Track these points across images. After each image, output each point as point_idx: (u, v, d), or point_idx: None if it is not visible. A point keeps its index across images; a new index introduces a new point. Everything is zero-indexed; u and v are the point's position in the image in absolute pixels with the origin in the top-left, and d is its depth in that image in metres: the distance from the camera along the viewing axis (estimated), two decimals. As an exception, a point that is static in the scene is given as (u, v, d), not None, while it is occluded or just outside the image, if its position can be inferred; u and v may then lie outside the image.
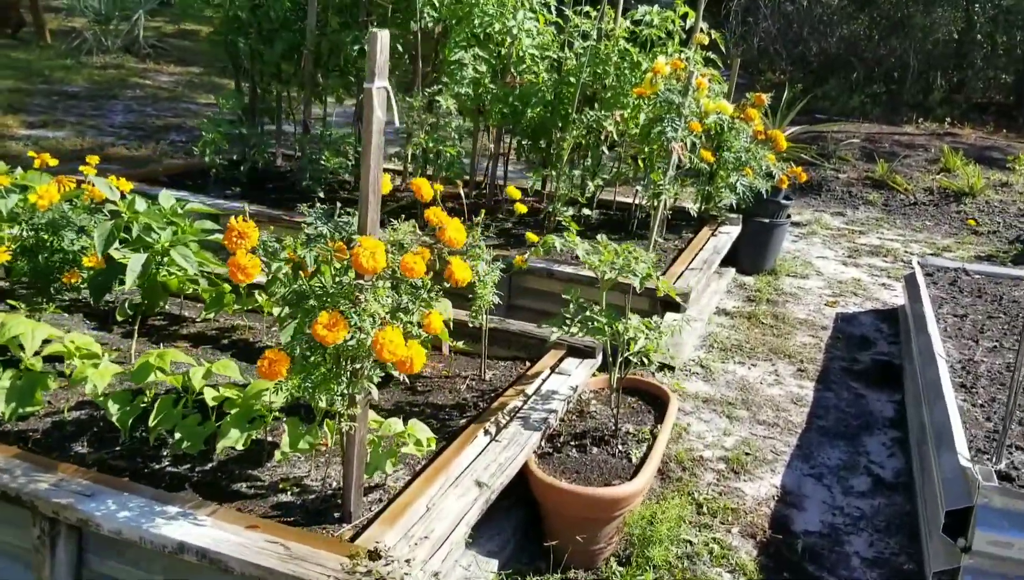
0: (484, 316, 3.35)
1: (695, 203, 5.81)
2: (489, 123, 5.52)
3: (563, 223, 4.91)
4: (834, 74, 13.71)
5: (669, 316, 4.39)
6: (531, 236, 3.24)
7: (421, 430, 2.54)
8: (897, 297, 5.98)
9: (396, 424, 2.54)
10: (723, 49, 5.10)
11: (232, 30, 5.75)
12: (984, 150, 9.86)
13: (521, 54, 5.17)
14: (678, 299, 3.17)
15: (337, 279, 2.16)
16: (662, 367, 4.46)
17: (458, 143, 5.02)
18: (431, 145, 4.95)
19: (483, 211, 3.29)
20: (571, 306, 3.05)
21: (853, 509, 3.47)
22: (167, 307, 3.84)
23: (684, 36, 5.17)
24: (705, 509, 3.35)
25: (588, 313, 3.03)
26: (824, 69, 14.10)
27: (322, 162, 5.19)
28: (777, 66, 14.74)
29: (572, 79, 5.07)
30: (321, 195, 5.30)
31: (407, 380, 3.41)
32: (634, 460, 3.06)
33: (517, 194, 3.20)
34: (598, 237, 3.14)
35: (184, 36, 14.43)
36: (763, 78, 13.97)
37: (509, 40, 5.13)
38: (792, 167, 5.90)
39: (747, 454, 3.78)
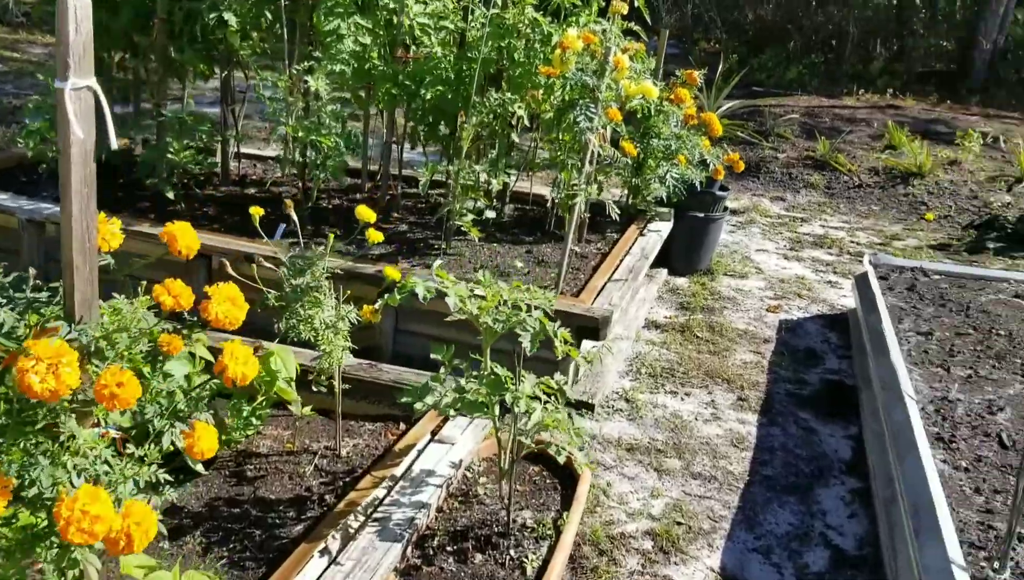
0: (338, 375, 2.55)
1: (621, 197, 5.06)
2: (379, 106, 4.66)
3: (463, 228, 4.14)
4: (771, 43, 13.08)
5: (586, 344, 3.66)
6: (390, 271, 2.43)
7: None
8: (845, 297, 5.33)
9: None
10: (647, 19, 4.31)
11: (71, -6, 4.78)
12: (929, 123, 9.31)
13: (411, 24, 4.32)
14: (580, 360, 2.40)
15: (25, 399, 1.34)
16: (579, 406, 3.70)
17: (334, 132, 4.14)
18: (301, 135, 4.08)
19: (331, 235, 2.46)
20: (441, 371, 2.27)
21: (809, 598, 2.79)
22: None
23: (603, 3, 4.37)
24: (626, 612, 2.62)
25: (465, 380, 2.25)
26: (760, 37, 13.46)
27: (169, 154, 4.29)
28: (712, 35, 14.08)
29: (474, 54, 4.24)
30: (171, 196, 4.39)
31: (233, 460, 2.60)
32: (528, 572, 2.31)
33: (371, 216, 2.38)
34: (479, 274, 2.35)
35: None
36: (697, 48, 13.28)
37: (396, 7, 4.28)
38: (729, 153, 5.18)
39: (679, 523, 3.05)
